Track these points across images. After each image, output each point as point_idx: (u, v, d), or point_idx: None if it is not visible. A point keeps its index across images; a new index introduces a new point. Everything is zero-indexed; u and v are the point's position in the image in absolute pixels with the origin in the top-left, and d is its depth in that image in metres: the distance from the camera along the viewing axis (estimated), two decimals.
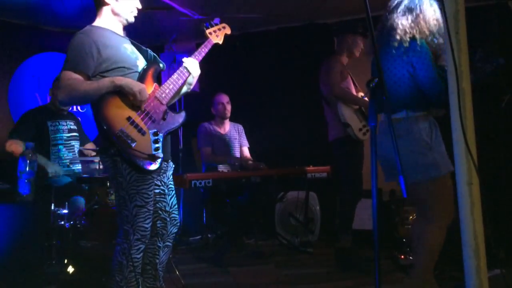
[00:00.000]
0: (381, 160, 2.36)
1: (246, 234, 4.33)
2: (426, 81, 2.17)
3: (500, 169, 3.66)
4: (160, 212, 2.22)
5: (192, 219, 4.77)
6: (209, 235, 4.37)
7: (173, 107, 2.30)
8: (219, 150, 4.14)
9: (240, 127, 4.38)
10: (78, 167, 3.60)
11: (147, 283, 2.24)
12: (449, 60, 1.72)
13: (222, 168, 4.01)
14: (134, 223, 2.06)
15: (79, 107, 4.80)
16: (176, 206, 2.33)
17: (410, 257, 3.16)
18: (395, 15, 2.29)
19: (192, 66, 2.29)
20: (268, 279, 3.14)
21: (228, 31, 2.52)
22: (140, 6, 2.25)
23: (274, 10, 4.45)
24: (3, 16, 4.40)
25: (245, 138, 4.36)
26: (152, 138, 2.08)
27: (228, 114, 4.21)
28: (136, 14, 2.24)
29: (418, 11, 2.24)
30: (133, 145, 1.97)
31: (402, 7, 2.29)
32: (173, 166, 2.35)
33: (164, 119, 2.15)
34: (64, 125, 3.53)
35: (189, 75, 2.29)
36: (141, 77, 2.16)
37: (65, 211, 3.10)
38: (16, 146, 3.26)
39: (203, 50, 2.38)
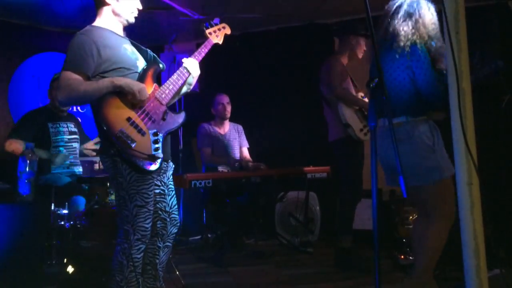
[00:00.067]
0: (382, 164, 2.37)
1: (246, 234, 4.33)
2: (425, 85, 2.18)
3: (500, 169, 3.66)
4: (160, 212, 2.22)
5: (192, 219, 4.76)
6: (209, 235, 4.37)
7: (173, 108, 2.30)
8: (219, 150, 4.14)
9: (240, 128, 4.37)
10: (79, 169, 3.60)
11: (147, 283, 2.24)
12: (449, 60, 1.73)
13: (222, 168, 4.02)
14: (134, 223, 2.06)
15: (79, 107, 4.80)
16: (176, 206, 2.33)
17: (410, 257, 3.16)
18: (396, 21, 2.29)
19: (192, 66, 2.29)
20: (268, 279, 3.14)
21: (228, 31, 2.52)
22: (140, 7, 2.25)
23: (274, 10, 4.45)
24: (3, 16, 4.40)
25: (245, 138, 4.36)
26: (152, 138, 2.08)
27: (228, 115, 4.21)
28: (136, 15, 2.24)
29: (417, 16, 2.25)
30: (133, 146, 1.97)
31: (402, 12, 2.29)
32: (173, 166, 2.35)
33: (164, 119, 2.15)
34: (64, 127, 3.53)
35: (189, 75, 2.29)
36: (141, 78, 2.15)
37: (65, 211, 3.11)
38: (16, 146, 3.27)
39: (203, 50, 2.38)
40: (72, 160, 3.53)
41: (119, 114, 2.01)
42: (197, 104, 4.62)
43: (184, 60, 2.30)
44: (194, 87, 2.43)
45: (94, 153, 3.56)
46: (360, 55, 3.50)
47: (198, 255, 3.88)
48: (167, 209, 2.25)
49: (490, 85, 3.17)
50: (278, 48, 4.90)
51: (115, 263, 2.09)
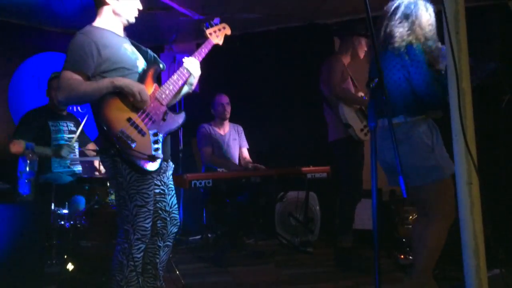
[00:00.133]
0: (382, 164, 2.37)
1: (246, 234, 4.33)
2: (421, 84, 2.18)
3: (500, 169, 3.66)
4: (160, 212, 2.22)
5: (192, 219, 4.77)
6: (209, 235, 4.37)
7: (173, 108, 2.30)
8: (219, 151, 4.14)
9: (240, 128, 4.37)
10: (78, 167, 3.61)
11: (148, 283, 2.24)
12: (449, 60, 1.73)
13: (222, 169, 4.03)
14: (134, 222, 2.06)
15: (79, 107, 4.80)
16: (176, 206, 2.33)
17: (410, 257, 3.16)
18: (392, 22, 2.31)
19: (192, 66, 2.29)
20: (268, 278, 3.14)
21: (228, 31, 2.52)
22: (140, 7, 2.25)
23: (274, 10, 4.45)
24: (3, 16, 4.40)
25: (245, 139, 4.36)
26: (152, 138, 2.08)
27: (228, 115, 4.21)
28: (136, 15, 2.24)
29: (414, 18, 2.26)
30: (133, 146, 1.97)
31: (399, 14, 2.30)
32: (173, 166, 2.35)
33: (164, 119, 2.15)
34: (64, 126, 3.54)
35: (189, 75, 2.29)
36: (141, 78, 2.16)
37: (65, 211, 3.11)
38: (17, 147, 3.27)
39: (203, 51, 2.38)
40: (72, 154, 3.53)
41: (120, 115, 2.02)
42: (197, 104, 4.61)
43: (185, 59, 2.30)
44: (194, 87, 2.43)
45: (94, 153, 3.56)
46: (362, 55, 3.51)
47: (198, 255, 3.88)
48: (167, 208, 2.25)
49: (490, 85, 3.18)
50: (278, 48, 4.90)
51: (115, 263, 2.09)
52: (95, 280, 2.69)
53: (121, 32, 2.23)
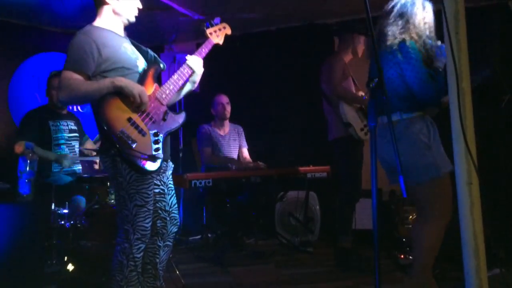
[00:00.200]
0: (382, 163, 2.37)
1: (246, 234, 4.33)
2: (414, 81, 2.18)
3: (500, 169, 3.66)
4: (160, 212, 2.22)
5: (192, 219, 4.77)
6: (209, 235, 4.37)
7: (173, 108, 2.30)
8: (219, 151, 4.14)
9: (240, 128, 4.37)
10: (79, 167, 3.61)
11: (147, 283, 2.24)
12: (449, 60, 1.73)
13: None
14: (134, 222, 2.06)
15: (79, 107, 4.80)
16: (176, 205, 2.33)
17: (410, 257, 3.16)
18: (386, 21, 2.32)
19: (195, 64, 2.29)
20: (268, 278, 3.14)
21: (228, 31, 2.52)
22: (140, 6, 2.25)
23: (274, 10, 4.45)
24: (3, 16, 4.39)
25: (245, 139, 4.36)
26: (153, 138, 2.08)
27: (228, 115, 4.21)
28: (137, 14, 2.24)
29: (408, 16, 2.26)
30: (133, 146, 1.97)
31: (394, 12, 2.31)
32: (173, 165, 2.35)
33: (164, 119, 2.15)
34: (65, 125, 3.54)
35: (192, 73, 2.29)
36: (141, 78, 2.16)
37: (66, 210, 3.11)
38: (19, 148, 3.26)
39: (204, 51, 2.38)
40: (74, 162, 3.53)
41: (120, 115, 2.02)
42: (197, 105, 4.61)
43: (188, 57, 2.30)
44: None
45: (94, 153, 3.56)
46: (360, 54, 3.50)
47: (198, 255, 3.88)
48: (167, 208, 2.26)
49: (490, 85, 3.18)
50: (278, 48, 4.90)
51: (115, 263, 2.09)
52: (95, 280, 2.69)
53: (121, 32, 2.23)
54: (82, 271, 2.75)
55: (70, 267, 2.75)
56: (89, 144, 3.68)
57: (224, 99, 4.20)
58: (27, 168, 2.74)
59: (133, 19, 2.23)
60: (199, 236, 4.53)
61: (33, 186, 2.77)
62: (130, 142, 1.96)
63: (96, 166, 3.62)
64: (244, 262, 3.64)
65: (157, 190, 2.21)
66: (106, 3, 2.16)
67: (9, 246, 2.52)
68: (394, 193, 4.02)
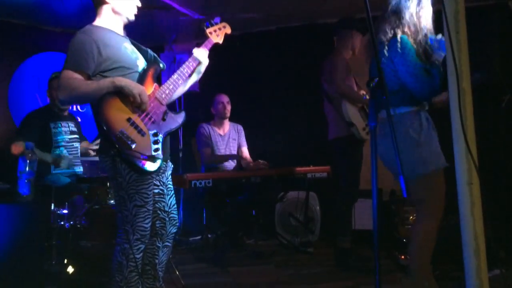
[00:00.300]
0: (382, 160, 2.36)
1: (246, 234, 4.33)
2: (406, 75, 2.18)
3: (500, 169, 3.66)
4: (159, 212, 2.22)
5: (192, 219, 4.76)
6: (209, 235, 4.37)
7: (173, 107, 2.30)
8: (219, 150, 4.14)
9: (240, 127, 4.37)
10: (79, 168, 3.60)
11: (147, 284, 2.23)
12: (449, 60, 1.73)
13: (222, 168, 4.03)
14: (134, 223, 2.06)
15: (79, 107, 4.80)
16: (175, 206, 2.33)
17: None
18: (381, 18, 2.32)
19: (201, 55, 2.32)
20: (268, 279, 3.14)
21: (228, 30, 2.51)
22: (140, 4, 2.24)
23: (274, 10, 4.45)
24: (3, 16, 4.39)
25: (244, 138, 4.36)
26: (152, 139, 2.08)
27: (228, 114, 4.21)
28: (136, 12, 2.24)
29: (401, 11, 2.26)
30: (133, 146, 1.97)
31: (389, 9, 2.31)
32: (172, 166, 2.35)
33: (164, 119, 2.15)
34: (65, 127, 3.54)
35: (198, 64, 2.32)
36: (141, 77, 2.15)
37: (65, 211, 3.10)
38: (18, 148, 3.26)
39: (207, 47, 2.39)
40: (73, 160, 3.52)
41: (120, 115, 2.01)
42: (197, 104, 4.62)
43: (195, 50, 2.33)
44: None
45: (94, 153, 3.55)
46: (357, 51, 3.48)
47: (198, 255, 3.88)
48: (166, 208, 2.25)
49: (490, 85, 3.18)
50: (278, 48, 4.90)
51: (114, 263, 2.09)
52: (95, 280, 2.69)
53: (121, 31, 2.23)
54: (82, 271, 2.75)
55: (70, 267, 2.75)
56: (86, 143, 3.67)
57: (225, 98, 4.20)
58: (27, 168, 2.73)
59: (132, 18, 2.23)
60: (199, 237, 4.53)
61: (33, 186, 2.76)
62: (129, 142, 1.96)
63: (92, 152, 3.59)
64: (244, 262, 3.64)
65: (156, 191, 2.21)
66: (105, 2, 2.15)
67: (9, 246, 2.52)
68: (394, 193, 4.02)
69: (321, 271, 3.29)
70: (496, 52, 3.99)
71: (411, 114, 2.22)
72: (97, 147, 3.51)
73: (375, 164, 1.53)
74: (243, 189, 3.77)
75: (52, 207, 3.04)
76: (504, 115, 3.38)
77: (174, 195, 2.34)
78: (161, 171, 2.23)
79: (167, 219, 2.25)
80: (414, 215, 3.58)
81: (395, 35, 2.23)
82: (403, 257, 3.26)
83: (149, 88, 2.14)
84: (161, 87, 2.19)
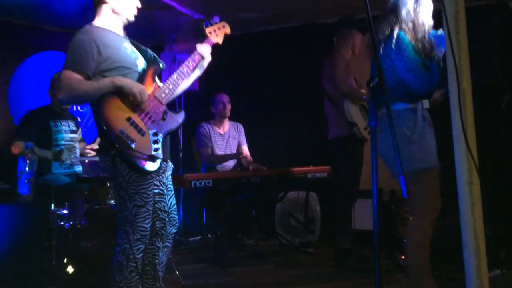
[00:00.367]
0: (381, 156, 2.36)
1: (246, 234, 4.32)
2: (405, 71, 2.18)
3: (500, 169, 3.66)
4: (159, 213, 2.22)
5: (192, 219, 4.76)
6: (209, 236, 4.37)
7: (172, 107, 2.30)
8: (219, 149, 4.14)
9: (240, 126, 4.37)
10: (79, 167, 3.60)
11: (147, 284, 2.23)
12: (449, 60, 1.73)
13: (222, 168, 4.02)
14: (134, 223, 2.06)
15: (79, 107, 4.80)
16: (175, 206, 2.32)
17: None
18: (380, 17, 2.32)
19: (204, 50, 2.33)
20: (268, 279, 3.14)
21: (227, 30, 2.50)
22: (140, 5, 2.24)
23: (274, 10, 4.45)
24: (3, 16, 4.39)
25: (244, 137, 4.36)
26: (152, 138, 2.07)
27: (228, 114, 4.21)
28: (136, 13, 2.24)
29: (398, 9, 2.26)
30: (133, 146, 1.97)
31: (387, 8, 2.32)
32: (172, 166, 2.35)
33: (163, 119, 2.14)
34: (65, 126, 3.53)
35: (201, 59, 2.32)
36: (141, 77, 2.15)
37: (65, 211, 3.10)
38: (18, 148, 3.26)
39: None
40: (73, 160, 3.52)
41: (119, 114, 2.01)
42: (197, 104, 4.61)
43: (198, 45, 2.33)
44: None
45: (93, 152, 3.54)
46: (356, 51, 3.48)
47: (198, 256, 3.88)
48: (166, 209, 2.25)
49: (490, 85, 3.18)
50: (278, 48, 4.90)
51: (115, 264, 2.09)
52: (95, 280, 2.68)
53: (120, 31, 2.23)
54: (81, 271, 2.75)
55: (70, 267, 2.75)
56: (83, 144, 3.67)
57: (225, 97, 4.20)
58: (27, 169, 2.73)
59: (132, 19, 2.22)
60: (199, 237, 4.52)
61: (33, 186, 2.76)
62: (129, 142, 1.96)
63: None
64: (244, 262, 3.64)
65: (156, 191, 2.21)
66: (105, 2, 2.15)
67: (8, 246, 2.52)
68: (395, 193, 4.01)
69: (321, 272, 3.29)
70: (496, 52, 3.99)
71: (407, 111, 2.23)
72: (92, 153, 3.50)
73: (375, 164, 1.53)
74: (243, 189, 3.76)
75: (52, 207, 3.04)
76: (504, 115, 3.38)
77: (174, 195, 2.33)
78: (161, 171, 2.22)
79: (167, 219, 2.25)
80: None
81: (392, 32, 2.23)
82: (403, 257, 3.25)
83: (149, 87, 2.14)
84: (161, 87, 2.19)
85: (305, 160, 3.87)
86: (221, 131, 4.22)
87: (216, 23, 2.45)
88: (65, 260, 2.81)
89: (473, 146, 1.65)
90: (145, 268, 2.22)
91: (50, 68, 4.60)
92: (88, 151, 3.54)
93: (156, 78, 2.23)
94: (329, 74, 3.35)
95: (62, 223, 3.00)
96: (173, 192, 2.32)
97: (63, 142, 3.47)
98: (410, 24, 2.23)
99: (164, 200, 2.24)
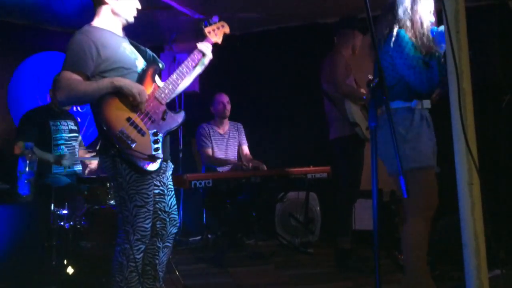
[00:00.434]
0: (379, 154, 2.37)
1: (246, 235, 4.32)
2: (405, 68, 2.18)
3: (500, 169, 3.66)
4: (160, 213, 2.22)
5: (192, 220, 4.76)
6: (209, 236, 4.37)
7: (172, 107, 2.30)
8: (219, 150, 4.14)
9: (240, 126, 4.37)
10: (79, 167, 3.60)
11: (147, 284, 2.23)
12: (449, 60, 1.73)
13: (222, 169, 4.02)
14: (134, 223, 2.06)
15: (78, 107, 4.80)
16: (176, 206, 2.32)
17: None
18: (380, 17, 2.33)
19: (205, 48, 2.32)
20: (268, 279, 3.14)
21: (226, 29, 2.50)
22: (139, 7, 2.24)
23: (274, 10, 4.45)
24: (3, 16, 4.39)
25: (245, 137, 4.36)
26: (152, 138, 2.07)
27: (228, 114, 4.21)
28: (135, 14, 2.23)
29: (397, 6, 2.27)
30: (133, 146, 1.97)
31: (387, 7, 2.32)
32: (172, 166, 2.35)
33: (163, 119, 2.14)
34: (65, 125, 3.53)
35: (202, 57, 2.32)
36: (140, 78, 2.15)
37: (65, 211, 3.10)
38: (17, 149, 3.26)
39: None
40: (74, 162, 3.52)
41: (119, 115, 2.01)
42: (197, 104, 4.61)
43: (199, 43, 2.33)
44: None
45: (90, 155, 3.54)
46: (357, 51, 3.47)
47: (198, 256, 3.88)
48: (167, 209, 2.25)
49: (490, 85, 3.18)
50: (278, 48, 4.90)
51: (115, 264, 2.09)
52: (95, 281, 2.68)
53: (119, 32, 2.22)
54: (81, 272, 2.75)
55: (70, 268, 2.75)
56: (82, 151, 3.66)
57: (225, 98, 4.20)
58: (27, 169, 2.73)
59: (132, 20, 2.22)
60: (199, 237, 4.52)
61: (33, 186, 2.76)
62: (129, 142, 1.96)
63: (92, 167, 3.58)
64: (244, 263, 3.64)
65: (156, 191, 2.21)
66: (105, 3, 2.15)
67: (8, 246, 2.52)
68: (394, 194, 4.01)
69: (321, 272, 3.29)
70: (496, 52, 3.99)
71: (404, 110, 2.23)
72: (93, 160, 3.49)
73: (375, 164, 1.52)
74: (243, 189, 3.76)
75: (52, 208, 3.03)
76: (504, 115, 3.38)
77: (174, 196, 2.33)
78: (162, 171, 2.22)
79: (167, 219, 2.25)
80: None
81: (391, 30, 2.23)
82: (403, 257, 3.25)
83: (149, 88, 2.14)
84: (161, 87, 2.19)
85: (305, 160, 3.86)
86: (221, 131, 4.22)
87: (215, 22, 2.45)
88: (65, 261, 2.81)
89: (473, 146, 1.65)
90: (145, 268, 2.22)
91: (50, 68, 4.60)
92: (87, 161, 3.53)
93: (157, 78, 2.23)
94: (329, 74, 3.34)
95: (62, 223, 3.00)
96: (173, 192, 2.32)
97: (62, 141, 3.47)
98: (408, 23, 2.24)
99: (164, 200, 2.24)
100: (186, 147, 4.67)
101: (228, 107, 4.19)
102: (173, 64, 4.64)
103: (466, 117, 1.66)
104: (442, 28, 2.17)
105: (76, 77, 1.99)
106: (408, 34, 2.21)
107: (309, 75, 4.08)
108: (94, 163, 3.57)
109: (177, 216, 2.32)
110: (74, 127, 3.61)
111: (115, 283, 2.07)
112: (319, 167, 3.79)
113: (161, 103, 2.15)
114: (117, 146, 1.95)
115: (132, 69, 2.15)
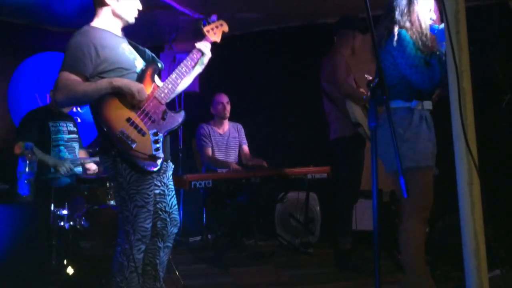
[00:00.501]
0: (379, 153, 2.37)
1: (246, 235, 4.32)
2: (406, 68, 2.19)
3: (500, 169, 3.65)
4: (160, 213, 2.22)
5: (192, 220, 4.76)
6: (209, 236, 4.37)
7: (172, 107, 2.30)
8: (219, 150, 4.14)
9: (240, 126, 4.37)
10: (78, 168, 3.59)
11: (147, 284, 2.23)
12: (449, 60, 1.72)
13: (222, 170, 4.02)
14: (135, 223, 2.05)
15: (78, 107, 4.79)
16: (176, 206, 2.32)
17: None
18: (382, 18, 2.33)
19: (204, 47, 2.32)
20: (268, 279, 3.14)
21: (225, 28, 2.50)
22: (140, 7, 2.24)
23: (274, 10, 4.45)
24: (3, 16, 4.39)
25: (245, 137, 4.35)
26: (152, 138, 2.07)
27: (228, 114, 4.21)
28: (136, 15, 2.23)
29: (397, 6, 2.27)
30: (133, 146, 1.97)
31: (388, 8, 2.33)
32: (173, 166, 2.35)
33: (163, 119, 2.14)
34: (64, 126, 3.53)
35: (201, 56, 2.32)
36: (140, 78, 2.15)
37: (65, 211, 3.10)
38: (17, 149, 3.25)
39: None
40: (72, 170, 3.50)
41: (119, 115, 2.01)
42: (197, 104, 4.61)
43: (197, 43, 2.33)
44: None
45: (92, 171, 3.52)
46: (357, 51, 3.47)
47: (198, 256, 3.88)
48: (167, 209, 2.25)
49: (490, 85, 3.17)
50: (278, 48, 4.90)
51: (115, 264, 2.09)
52: (95, 281, 2.68)
53: (119, 32, 2.22)
54: (82, 272, 2.74)
55: (70, 268, 2.75)
56: (82, 153, 3.66)
57: (224, 98, 4.20)
58: (27, 169, 2.73)
59: (132, 21, 2.22)
60: (199, 237, 4.52)
61: (33, 187, 2.76)
62: (129, 142, 1.96)
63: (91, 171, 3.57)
64: (244, 263, 3.64)
65: (157, 191, 2.21)
66: (106, 4, 2.14)
67: (9, 246, 2.52)
68: (395, 194, 4.00)
69: (321, 272, 3.29)
70: (496, 52, 3.99)
71: (404, 110, 2.23)
72: (92, 163, 3.48)
73: (375, 164, 1.52)
74: (243, 190, 3.76)
75: (52, 208, 3.03)
76: (504, 115, 3.37)
77: (175, 196, 2.33)
78: (162, 171, 2.22)
79: (168, 219, 2.25)
80: None
81: (392, 30, 2.24)
82: (401, 257, 3.25)
83: (148, 88, 2.14)
84: (160, 87, 2.19)
85: (305, 160, 3.86)
86: (221, 132, 4.22)
87: (213, 21, 2.45)
88: (65, 261, 2.81)
89: (473, 146, 1.65)
90: (145, 268, 2.22)
91: (50, 68, 4.60)
92: (88, 166, 3.52)
93: (157, 78, 2.23)
94: (330, 74, 3.33)
95: (62, 223, 3.00)
96: (174, 192, 2.32)
97: (62, 142, 3.46)
98: (407, 24, 2.24)
99: (165, 200, 2.24)
100: (186, 147, 4.67)
101: (228, 107, 4.18)
102: (173, 64, 4.63)
103: (466, 116, 1.66)
104: (443, 25, 2.17)
105: (74, 77, 1.99)
106: (409, 33, 2.22)
107: (309, 75, 4.08)
108: (92, 166, 3.55)
109: (177, 216, 2.32)
110: (73, 129, 3.61)
111: (115, 283, 2.07)
112: (319, 167, 3.79)
113: (161, 103, 2.15)
114: (118, 146, 1.95)
115: (131, 69, 2.15)
